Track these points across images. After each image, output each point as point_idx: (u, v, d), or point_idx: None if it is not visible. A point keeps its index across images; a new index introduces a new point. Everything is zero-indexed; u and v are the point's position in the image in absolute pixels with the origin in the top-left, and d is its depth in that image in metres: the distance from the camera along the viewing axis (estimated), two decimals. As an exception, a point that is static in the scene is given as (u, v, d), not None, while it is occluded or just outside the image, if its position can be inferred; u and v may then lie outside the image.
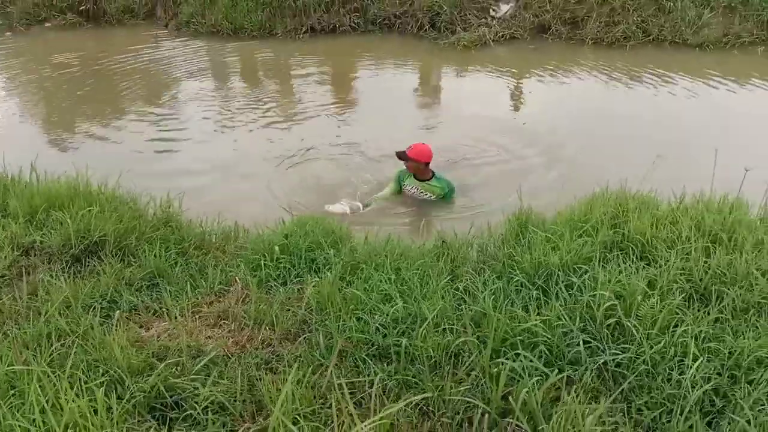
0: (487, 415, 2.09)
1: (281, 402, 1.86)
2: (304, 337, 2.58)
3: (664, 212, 3.26)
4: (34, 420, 1.91)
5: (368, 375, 2.33)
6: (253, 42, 10.83)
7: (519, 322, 2.49)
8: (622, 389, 2.27)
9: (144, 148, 6.65)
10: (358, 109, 8.15)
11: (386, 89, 8.83)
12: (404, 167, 5.07)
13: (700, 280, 2.73)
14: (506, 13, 10.87)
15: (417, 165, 4.93)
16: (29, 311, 2.67)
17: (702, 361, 2.27)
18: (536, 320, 2.45)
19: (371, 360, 2.43)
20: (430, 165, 5.04)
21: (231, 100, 8.47)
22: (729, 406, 2.17)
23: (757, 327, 2.43)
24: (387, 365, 2.42)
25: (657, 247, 2.97)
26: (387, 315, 2.61)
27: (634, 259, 2.93)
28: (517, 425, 2.05)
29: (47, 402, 1.95)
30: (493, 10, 10.97)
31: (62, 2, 11.95)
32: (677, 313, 2.53)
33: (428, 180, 5.03)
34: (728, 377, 2.28)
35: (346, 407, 1.96)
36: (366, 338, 2.52)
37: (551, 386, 2.20)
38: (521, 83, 9.04)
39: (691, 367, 2.22)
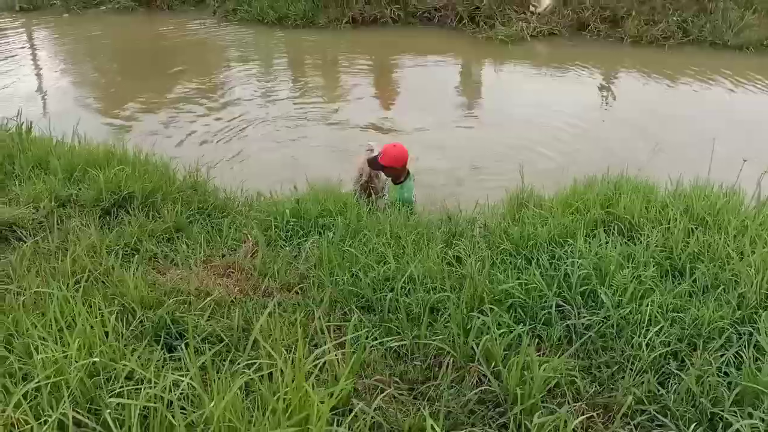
0: (452, 359, 2.30)
1: (258, 329, 2.09)
2: (300, 287, 2.82)
3: (657, 197, 3.39)
4: (51, 333, 2.18)
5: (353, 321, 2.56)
6: (296, 30, 11.14)
7: (499, 285, 2.69)
8: (587, 349, 2.45)
9: (184, 124, 7.05)
10: (398, 103, 8.37)
11: (426, 82, 9.01)
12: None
13: (679, 257, 2.87)
14: (546, 8, 10.94)
15: (396, 171, 4.37)
16: (59, 251, 2.98)
17: (664, 327, 2.44)
18: (512, 283, 2.63)
19: (359, 310, 2.66)
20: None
21: (274, 85, 8.83)
22: (684, 368, 2.33)
23: (720, 300, 2.56)
24: (373, 316, 2.65)
25: (644, 227, 3.11)
26: (379, 273, 2.83)
27: (619, 236, 3.08)
28: (478, 368, 2.25)
29: (65, 321, 2.23)
30: (533, 5, 11.04)
31: (117, -13, 12.51)
32: (650, 286, 2.68)
33: (402, 182, 4.42)
34: (688, 344, 2.44)
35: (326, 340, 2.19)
36: (356, 291, 2.75)
37: (516, 340, 2.39)
38: (561, 80, 9.09)
39: (649, 332, 2.39)
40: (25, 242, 3.04)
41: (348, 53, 10.34)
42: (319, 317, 2.45)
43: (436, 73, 9.66)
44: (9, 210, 3.35)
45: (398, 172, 4.37)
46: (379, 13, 11.24)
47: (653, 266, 2.77)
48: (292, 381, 1.88)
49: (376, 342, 2.35)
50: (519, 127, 6.94)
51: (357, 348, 2.24)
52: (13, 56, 10.22)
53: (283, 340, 2.35)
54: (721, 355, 2.30)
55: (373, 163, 4.35)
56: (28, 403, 1.86)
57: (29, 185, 3.66)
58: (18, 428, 1.80)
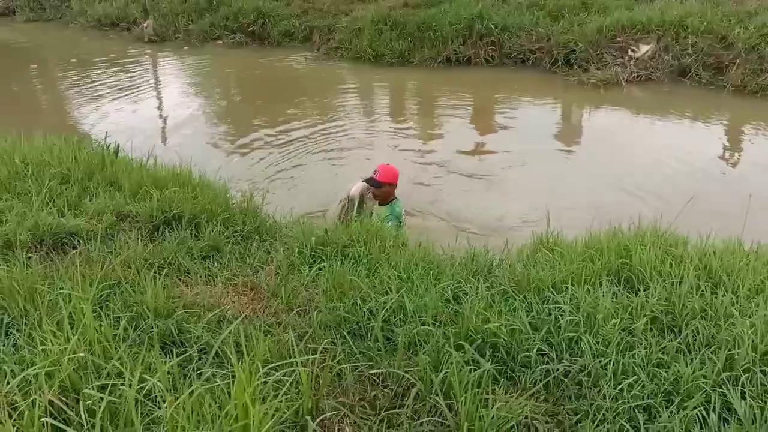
0: (415, 389, 2.39)
1: (220, 341, 2.29)
2: (298, 310, 3.00)
3: (678, 251, 3.30)
4: (65, 331, 2.49)
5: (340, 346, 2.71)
6: (391, 68, 11.57)
7: (484, 324, 2.74)
8: (563, 395, 2.46)
9: (267, 147, 7.70)
10: (490, 142, 8.53)
11: (520, 124, 9.19)
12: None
13: (679, 314, 2.80)
14: (645, 53, 10.69)
15: (391, 188, 4.90)
16: (102, 260, 3.34)
17: (641, 381, 2.40)
18: (496, 323, 2.68)
19: (349, 336, 2.80)
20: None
21: (374, 119, 9.38)
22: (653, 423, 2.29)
23: (705, 359, 2.48)
24: (361, 342, 2.78)
25: (654, 279, 3.05)
26: (376, 303, 2.96)
27: (627, 287, 3.04)
28: (436, 400, 2.32)
29: (79, 321, 2.53)
30: (632, 50, 10.83)
31: (234, 23, 13.54)
32: (639, 339, 2.64)
33: (390, 202, 4.95)
34: (666, 400, 2.38)
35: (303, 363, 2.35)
36: (349, 318, 2.89)
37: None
38: (656, 128, 8.88)
39: (621, 383, 2.36)
40: (76, 249, 3.44)
41: (442, 91, 10.66)
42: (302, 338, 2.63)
43: (525, 115, 9.72)
44: (74, 221, 3.78)
45: (390, 191, 4.87)
46: (473, 54, 11.42)
47: (648, 320, 2.72)
48: (244, 392, 2.05)
49: (345, 366, 2.47)
50: (605, 176, 6.94)
51: (324, 369, 2.38)
52: (136, 82, 11.46)
53: (265, 355, 2.53)
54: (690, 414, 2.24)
55: (372, 180, 4.78)
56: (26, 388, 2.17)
57: (98, 201, 4.10)
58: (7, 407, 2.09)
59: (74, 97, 10.76)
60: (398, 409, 2.40)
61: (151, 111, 10.02)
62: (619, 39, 10.86)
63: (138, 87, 11.18)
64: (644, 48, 10.72)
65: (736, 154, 7.94)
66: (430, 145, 8.39)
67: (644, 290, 2.97)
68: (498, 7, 11.91)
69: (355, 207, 5.01)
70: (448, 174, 7.24)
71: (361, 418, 2.37)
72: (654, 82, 10.33)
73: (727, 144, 8.27)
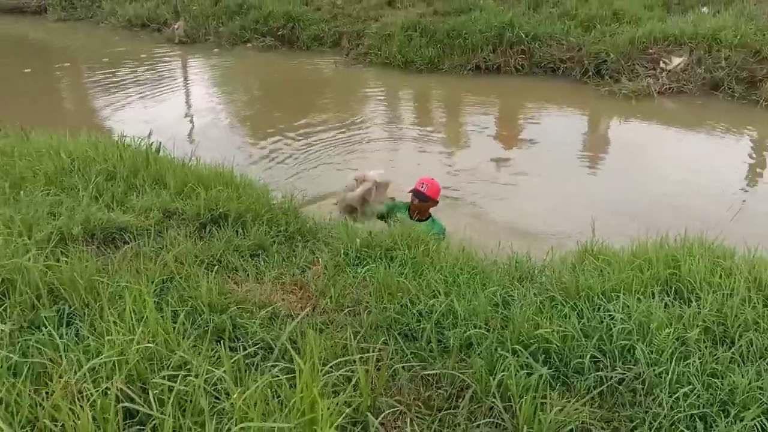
0: (470, 391, 2.41)
1: (283, 338, 2.33)
2: (349, 310, 3.04)
3: (726, 262, 3.30)
4: (128, 323, 2.55)
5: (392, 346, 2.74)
6: (420, 75, 11.61)
7: (535, 330, 2.76)
8: (617, 402, 2.47)
9: (296, 151, 7.80)
10: (515, 151, 8.55)
11: (550, 133, 9.15)
12: (397, 200, 5.15)
13: (731, 325, 2.80)
14: (677, 66, 10.63)
15: (433, 204, 4.95)
16: (155, 255, 3.40)
17: (696, 390, 2.41)
18: (548, 329, 2.70)
19: (400, 337, 2.83)
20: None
21: (402, 124, 9.44)
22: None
23: (759, 369, 2.49)
24: (413, 343, 2.81)
25: (704, 290, 3.05)
26: (426, 305, 2.99)
27: (677, 297, 3.04)
28: (493, 402, 2.35)
29: (140, 313, 2.59)
30: (665, 62, 10.77)
31: (264, 27, 13.68)
32: (692, 349, 2.65)
33: (424, 220, 4.98)
34: (721, 410, 2.39)
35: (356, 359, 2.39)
36: (400, 319, 2.92)
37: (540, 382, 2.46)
38: (689, 141, 8.83)
39: (677, 392, 2.37)
40: (128, 244, 3.50)
41: (471, 98, 10.68)
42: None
43: (555, 124, 9.71)
44: (123, 217, 3.85)
45: (430, 206, 4.93)
46: (503, 62, 11.43)
47: (701, 330, 2.72)
48: (306, 386, 2.09)
49: (400, 366, 2.50)
50: (633, 188, 6.90)
51: (380, 368, 2.41)
52: (166, 82, 11.65)
53: (321, 353, 2.57)
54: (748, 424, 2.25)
55: (420, 194, 4.85)
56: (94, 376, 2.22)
57: (145, 197, 4.17)
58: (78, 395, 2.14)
59: (106, 95, 10.91)
60: (453, 410, 2.43)
61: (181, 110, 10.19)
62: (651, 51, 10.82)
63: (168, 87, 11.34)
64: (676, 60, 10.66)
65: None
66: (459, 151, 8.44)
67: (695, 301, 2.97)
68: (529, 15, 11.92)
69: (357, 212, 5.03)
70: (477, 180, 7.26)
71: (418, 417, 2.40)
72: (686, 95, 10.27)
73: (763, 158, 8.22)
